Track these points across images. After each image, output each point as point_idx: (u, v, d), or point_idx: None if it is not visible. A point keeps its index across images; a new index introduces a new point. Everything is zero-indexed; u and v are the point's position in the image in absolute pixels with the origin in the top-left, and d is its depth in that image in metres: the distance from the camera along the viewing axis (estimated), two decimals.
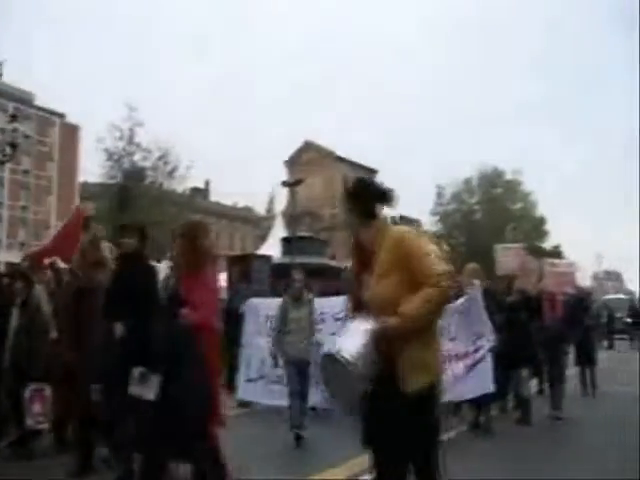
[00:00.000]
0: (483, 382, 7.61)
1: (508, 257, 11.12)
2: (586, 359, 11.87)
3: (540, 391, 11.05)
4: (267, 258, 17.62)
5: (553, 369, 9.64)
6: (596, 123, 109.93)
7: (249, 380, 9.90)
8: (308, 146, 66.33)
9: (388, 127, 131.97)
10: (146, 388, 4.60)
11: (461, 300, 8.09)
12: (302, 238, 24.52)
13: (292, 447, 7.23)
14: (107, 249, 6.34)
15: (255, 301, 10.52)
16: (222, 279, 15.92)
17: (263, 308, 10.13)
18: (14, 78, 51.42)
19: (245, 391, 9.93)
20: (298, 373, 7.77)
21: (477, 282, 8.21)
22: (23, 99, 54.38)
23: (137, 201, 29.06)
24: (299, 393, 7.68)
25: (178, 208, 34.08)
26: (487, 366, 7.67)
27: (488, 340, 7.73)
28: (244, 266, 15.50)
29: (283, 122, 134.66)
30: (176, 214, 32.87)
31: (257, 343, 9.94)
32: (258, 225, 65.09)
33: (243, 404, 9.96)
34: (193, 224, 5.44)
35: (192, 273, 4.89)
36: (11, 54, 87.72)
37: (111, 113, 51.43)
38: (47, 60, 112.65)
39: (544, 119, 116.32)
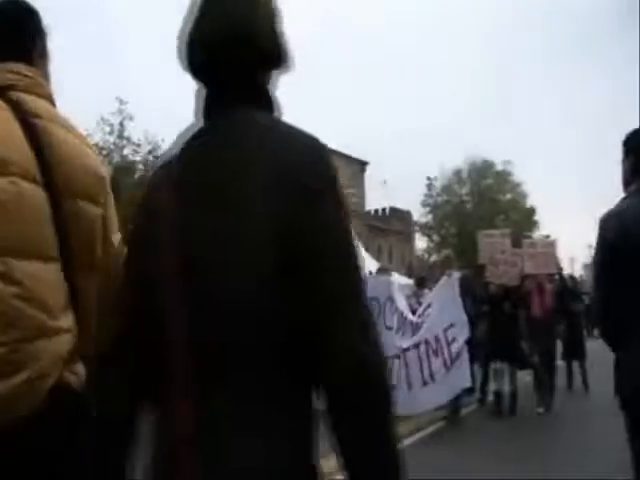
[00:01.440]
0: (462, 379, 7.41)
1: (489, 244, 10.43)
2: (574, 351, 11.17)
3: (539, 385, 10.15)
4: None
5: (542, 362, 9.24)
6: (588, 110, 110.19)
7: None
8: None
9: (378, 118, 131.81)
10: None
11: (435, 288, 7.99)
12: None
13: None
14: None
15: None
16: None
17: None
18: None
19: None
20: None
21: (455, 272, 8.00)
22: None
23: (127, 195, 29.00)
24: None
25: None
26: (465, 362, 7.41)
27: (462, 331, 7.37)
28: None
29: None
30: None
31: None
32: None
33: None
34: None
35: None
36: None
37: (101, 107, 51.15)
38: None
39: (537, 107, 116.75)
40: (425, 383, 7.36)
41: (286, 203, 1.17)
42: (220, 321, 1.20)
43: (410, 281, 11.87)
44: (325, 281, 1.17)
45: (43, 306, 1.66)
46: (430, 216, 52.87)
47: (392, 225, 63.42)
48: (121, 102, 30.28)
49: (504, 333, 8.51)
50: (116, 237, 1.95)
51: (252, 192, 1.19)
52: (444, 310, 7.51)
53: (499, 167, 52.46)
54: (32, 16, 2.01)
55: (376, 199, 66.07)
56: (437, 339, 7.35)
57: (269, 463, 1.14)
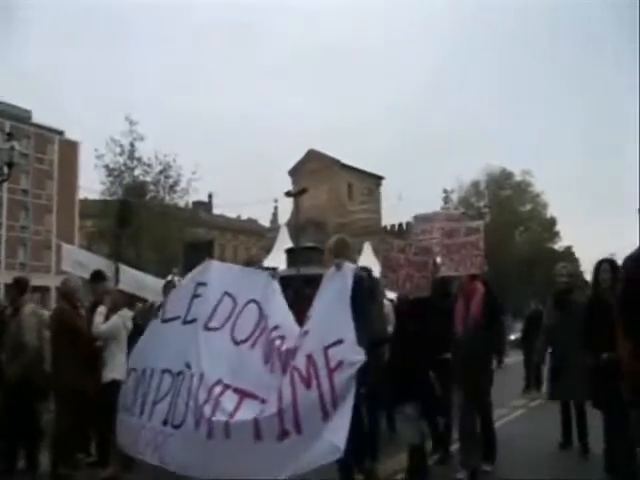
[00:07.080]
0: (340, 435, 4.26)
1: (423, 232, 7.38)
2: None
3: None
4: (272, 270, 16.65)
5: (469, 400, 6.13)
6: (608, 118, 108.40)
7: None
8: (312, 155, 65.56)
9: (392, 132, 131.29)
10: None
11: (321, 287, 5.10)
12: (306, 248, 23.73)
13: None
14: None
15: None
16: None
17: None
18: (10, 96, 51.13)
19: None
20: None
21: (347, 263, 5.16)
22: (20, 117, 53.75)
23: (138, 216, 28.19)
24: None
25: (181, 222, 33.39)
26: (346, 416, 4.34)
27: (352, 355, 4.46)
28: None
29: (287, 131, 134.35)
30: (179, 228, 32.19)
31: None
32: (263, 237, 64.40)
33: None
34: None
35: None
36: (7, 73, 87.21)
37: (111, 128, 51.02)
38: (44, 77, 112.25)
39: (553, 115, 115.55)
40: (285, 434, 4.50)
41: None
42: None
43: None
44: None
45: None
46: None
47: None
48: (131, 123, 29.74)
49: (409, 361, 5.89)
50: None
51: None
52: (328, 317, 4.79)
53: (518, 177, 51.56)
54: None
55: (393, 214, 64.90)
56: (311, 360, 4.61)
57: None
